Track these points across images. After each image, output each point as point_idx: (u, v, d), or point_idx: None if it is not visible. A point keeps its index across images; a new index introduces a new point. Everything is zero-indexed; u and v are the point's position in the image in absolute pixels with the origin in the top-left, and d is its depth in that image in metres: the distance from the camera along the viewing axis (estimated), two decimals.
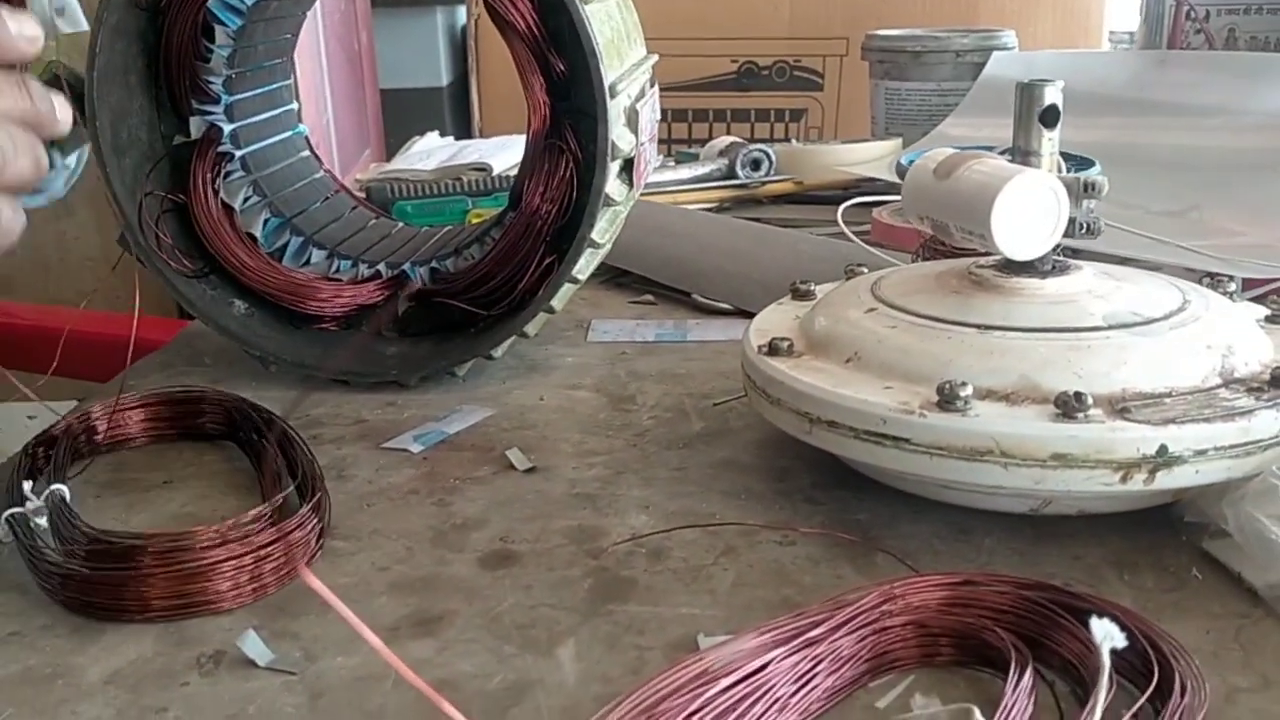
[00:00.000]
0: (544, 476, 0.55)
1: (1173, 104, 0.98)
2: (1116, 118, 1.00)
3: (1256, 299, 0.60)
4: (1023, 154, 0.51)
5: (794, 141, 1.27)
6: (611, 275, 0.87)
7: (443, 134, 1.45)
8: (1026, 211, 0.47)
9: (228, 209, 0.68)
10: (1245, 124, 0.92)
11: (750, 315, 0.59)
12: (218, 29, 0.66)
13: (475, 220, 0.92)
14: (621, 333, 0.76)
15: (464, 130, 2.09)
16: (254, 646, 0.41)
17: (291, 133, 0.75)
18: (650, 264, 0.86)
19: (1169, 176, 0.92)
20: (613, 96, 0.61)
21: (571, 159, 0.64)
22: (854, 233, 0.85)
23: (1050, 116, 0.50)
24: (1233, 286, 0.57)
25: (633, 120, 0.65)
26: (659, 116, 0.72)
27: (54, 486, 0.48)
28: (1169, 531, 0.47)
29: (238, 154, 0.69)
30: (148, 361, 0.73)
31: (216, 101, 0.67)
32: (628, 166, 0.65)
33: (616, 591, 0.45)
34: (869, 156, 1.12)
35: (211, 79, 0.67)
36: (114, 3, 0.62)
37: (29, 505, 0.47)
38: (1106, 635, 0.34)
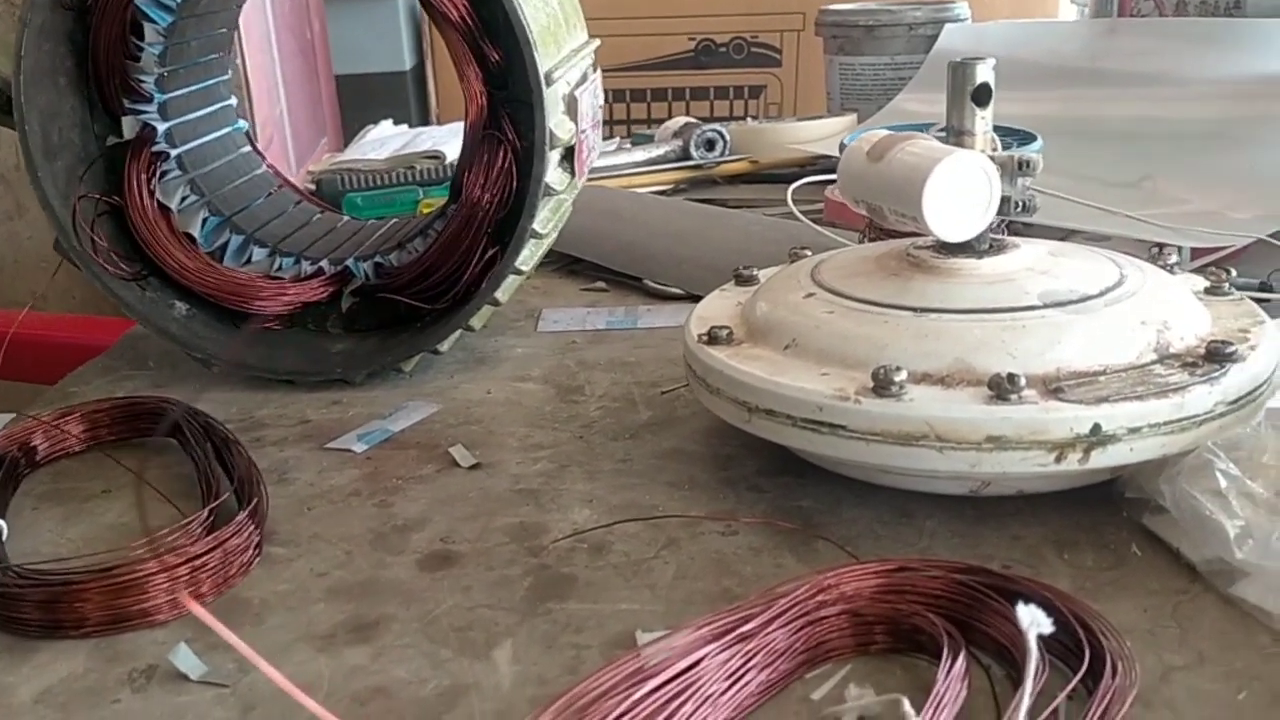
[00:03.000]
0: (487, 473, 0.55)
1: (1124, 73, 0.98)
2: (1069, 89, 1.00)
3: (1200, 269, 0.60)
4: (956, 133, 0.50)
5: (749, 120, 1.26)
6: (563, 263, 0.87)
7: (409, 120, 1.44)
8: (958, 193, 0.47)
9: (164, 209, 0.67)
10: (1194, 92, 0.92)
11: (701, 299, 0.58)
12: (147, 26, 0.65)
13: (426, 210, 0.91)
14: (572, 321, 0.76)
15: (427, 115, 2.07)
16: (185, 660, 0.40)
17: (230, 129, 0.74)
18: (601, 250, 0.86)
19: (1122, 147, 0.92)
20: (549, 84, 0.60)
21: (510, 149, 0.63)
22: (807, 211, 0.84)
23: (982, 95, 0.50)
24: (1174, 258, 0.57)
25: (572, 108, 0.64)
26: (601, 102, 0.72)
27: None
28: (1109, 508, 0.47)
29: (173, 153, 0.68)
30: (90, 366, 0.72)
31: (149, 100, 0.66)
32: (569, 155, 0.64)
33: (556, 589, 0.44)
34: (823, 134, 1.11)
35: (143, 77, 0.66)
36: (38, 4, 0.61)
37: None
38: (1033, 621, 0.34)
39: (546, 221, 0.64)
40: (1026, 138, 0.66)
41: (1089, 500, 0.48)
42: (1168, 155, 0.88)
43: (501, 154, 0.63)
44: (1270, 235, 0.72)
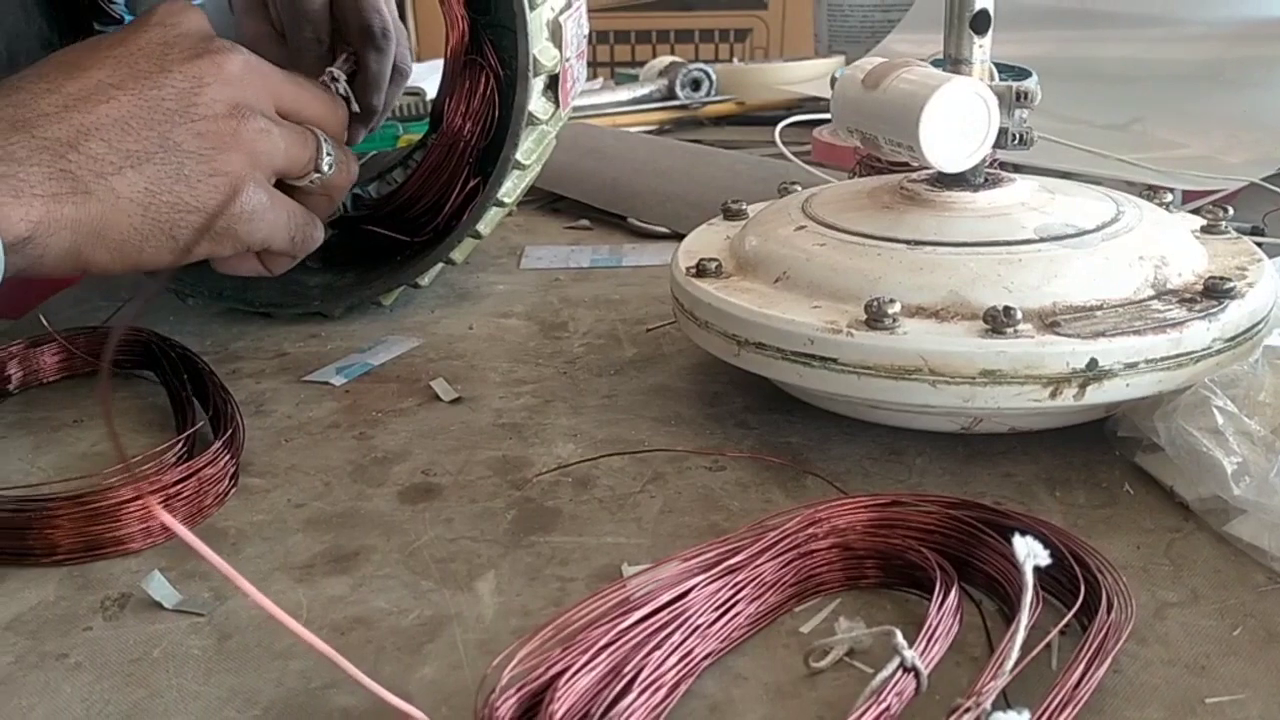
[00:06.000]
0: (469, 407, 0.54)
1: (1117, 14, 0.97)
2: (1061, 30, 0.98)
3: (1197, 209, 0.59)
4: (953, 62, 0.49)
5: (736, 61, 1.24)
6: (547, 200, 0.85)
7: None
8: (955, 121, 0.46)
9: None
10: (1187, 34, 0.91)
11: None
12: None
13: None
14: (555, 259, 0.74)
15: None
16: (160, 588, 0.39)
17: None
18: (585, 188, 0.84)
19: (1113, 89, 0.91)
20: (533, 8, 0.58)
21: (492, 76, 0.61)
22: (795, 153, 0.83)
23: (981, 22, 0.48)
24: (1169, 198, 0.56)
25: (557, 34, 0.62)
26: (586, 31, 0.70)
27: None
28: (1102, 447, 0.47)
29: None
30: (62, 297, 0.70)
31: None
32: (553, 84, 0.63)
33: (540, 522, 0.44)
34: (810, 75, 1.10)
35: None
36: None
37: None
38: (1029, 553, 0.33)
39: (530, 153, 0.63)
40: (1021, 73, 0.64)
41: (1081, 439, 0.47)
42: (1160, 98, 0.87)
43: (483, 81, 0.61)
44: (1263, 179, 0.71)
